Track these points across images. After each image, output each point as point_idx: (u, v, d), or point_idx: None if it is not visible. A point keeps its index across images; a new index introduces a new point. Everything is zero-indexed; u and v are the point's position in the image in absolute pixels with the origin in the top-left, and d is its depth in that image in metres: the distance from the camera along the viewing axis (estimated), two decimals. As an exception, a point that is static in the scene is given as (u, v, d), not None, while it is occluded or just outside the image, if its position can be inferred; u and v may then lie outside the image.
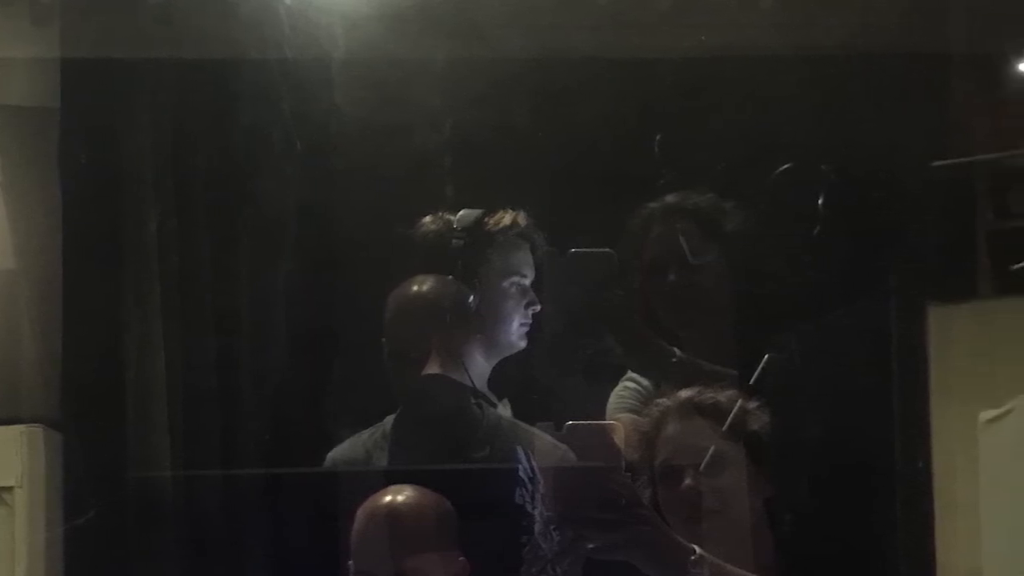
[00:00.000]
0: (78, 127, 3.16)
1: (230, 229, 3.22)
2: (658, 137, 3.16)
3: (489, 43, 3.19)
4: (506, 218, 3.18)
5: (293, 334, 3.25)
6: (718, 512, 2.79)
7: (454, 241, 3.16)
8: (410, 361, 3.14)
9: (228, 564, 3.14)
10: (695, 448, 2.81)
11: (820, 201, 3.06)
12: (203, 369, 3.17)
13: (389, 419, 3.15)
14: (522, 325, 3.18)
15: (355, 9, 3.18)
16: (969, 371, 2.97)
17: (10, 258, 3.22)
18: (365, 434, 3.16)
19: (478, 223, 3.17)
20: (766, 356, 2.93)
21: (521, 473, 3.04)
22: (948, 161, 3.10)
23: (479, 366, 3.16)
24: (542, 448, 2.95)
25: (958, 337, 2.99)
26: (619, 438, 2.61)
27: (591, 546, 2.59)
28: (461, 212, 3.17)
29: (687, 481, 2.80)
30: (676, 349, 3.10)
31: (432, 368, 3.13)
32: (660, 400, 2.90)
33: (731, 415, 2.82)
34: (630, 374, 3.15)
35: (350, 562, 2.95)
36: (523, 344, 3.19)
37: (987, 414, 2.92)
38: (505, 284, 3.18)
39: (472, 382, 3.14)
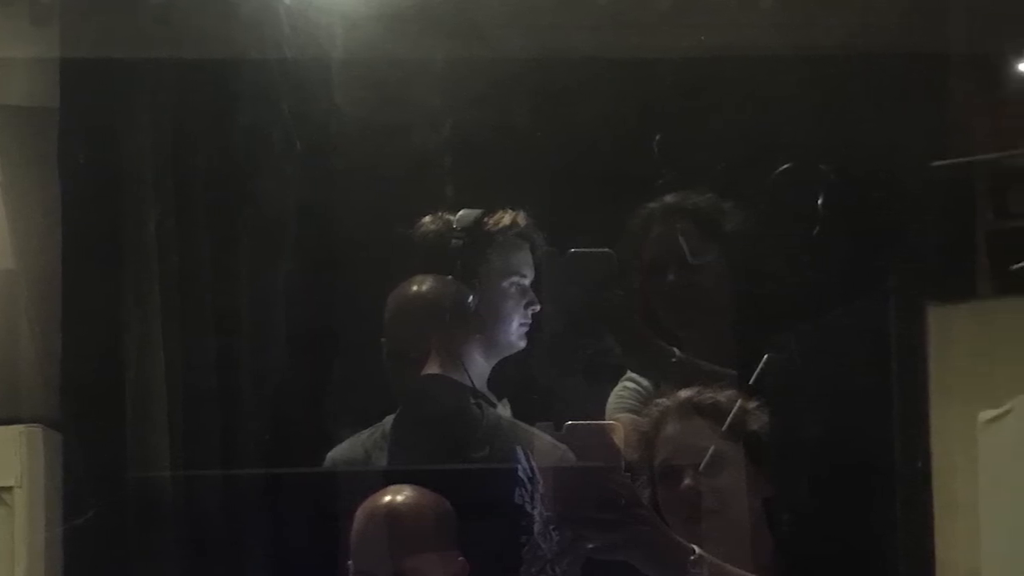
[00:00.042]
0: (77, 127, 3.16)
1: (230, 229, 3.22)
2: (658, 137, 3.16)
3: (489, 43, 3.19)
4: (506, 218, 3.18)
5: (293, 334, 3.25)
6: (717, 512, 2.79)
7: (454, 241, 3.16)
8: (410, 361, 3.14)
9: (228, 564, 3.14)
10: (694, 448, 2.81)
11: (820, 201, 3.06)
12: (203, 369, 3.18)
13: (389, 419, 3.15)
14: (522, 325, 3.18)
15: (355, 9, 3.18)
16: (968, 371, 2.96)
17: (9, 258, 3.23)
18: (364, 434, 3.16)
19: (478, 223, 3.17)
20: (765, 356, 2.93)
21: (520, 473, 3.04)
22: (948, 161, 3.10)
23: (479, 366, 3.16)
24: (541, 448, 2.95)
25: (958, 337, 2.98)
26: (618, 438, 2.61)
27: (590, 546, 2.59)
28: (461, 212, 3.17)
29: (686, 481, 2.80)
30: (675, 349, 3.10)
31: (432, 368, 3.13)
32: (659, 400, 2.90)
33: (730, 415, 2.82)
34: (629, 374, 3.15)
35: (349, 562, 2.95)
36: (523, 344, 3.19)
37: (986, 414, 2.92)
38: (505, 284, 3.18)
39: (472, 382, 3.14)
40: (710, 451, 2.79)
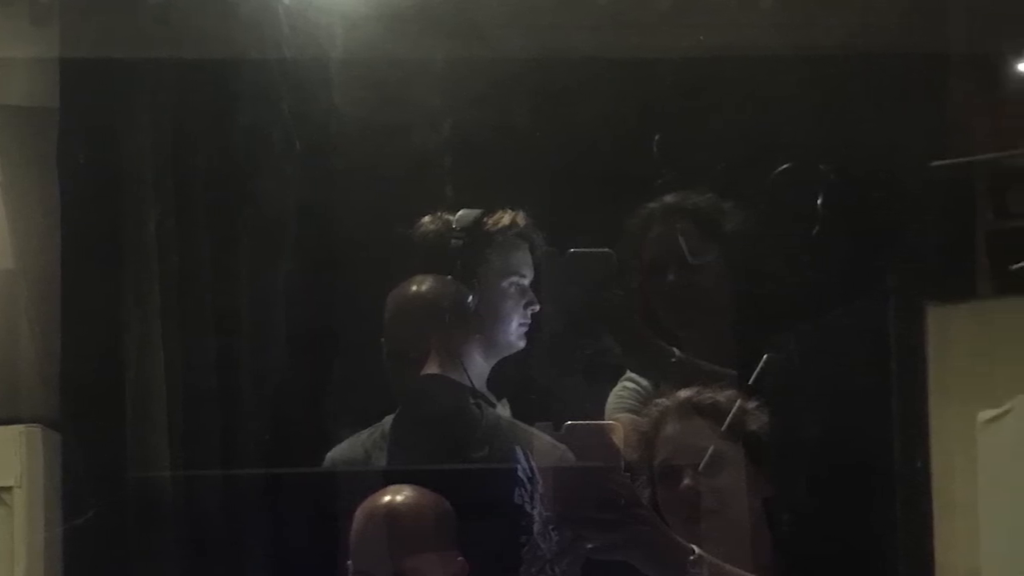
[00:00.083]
0: (77, 127, 3.16)
1: (230, 229, 3.22)
2: (657, 137, 3.16)
3: (489, 43, 3.19)
4: (505, 218, 3.18)
5: (293, 334, 3.25)
6: (717, 512, 2.79)
7: (453, 241, 3.16)
8: (409, 361, 3.14)
9: (227, 564, 3.14)
10: (694, 448, 2.81)
11: (819, 201, 3.06)
12: (202, 369, 3.18)
13: (388, 419, 3.15)
14: (521, 325, 3.19)
15: (354, 9, 3.18)
16: (968, 371, 2.96)
17: (9, 258, 3.23)
18: (364, 434, 3.16)
19: (477, 223, 3.17)
20: (765, 356, 2.93)
21: (520, 473, 3.04)
22: (947, 161, 3.10)
23: (478, 366, 3.16)
24: (541, 448, 2.95)
25: (957, 337, 2.98)
26: (618, 438, 2.61)
27: (590, 546, 2.59)
28: (460, 212, 3.18)
29: (686, 481, 2.80)
30: (675, 349, 3.10)
31: (431, 368, 3.13)
32: (659, 400, 2.90)
33: (730, 415, 2.82)
34: (629, 374, 3.15)
35: (349, 562, 2.95)
36: (522, 344, 3.20)
37: (986, 414, 2.91)
38: (504, 284, 3.18)
39: (471, 382, 3.14)
40: (709, 451, 2.79)
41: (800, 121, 3.17)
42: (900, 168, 3.14)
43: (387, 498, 2.94)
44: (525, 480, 3.04)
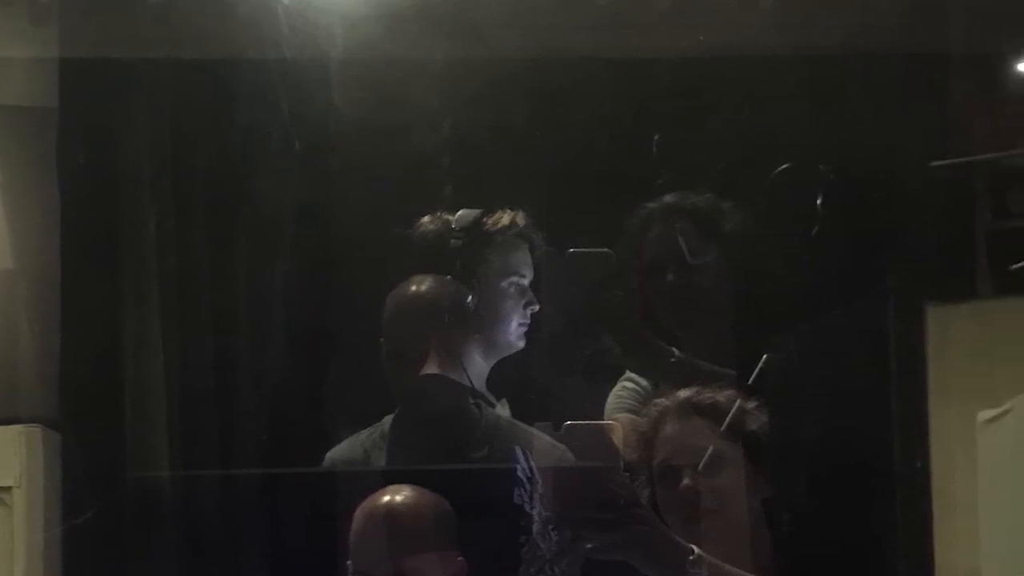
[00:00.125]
0: (76, 127, 3.16)
1: (228, 229, 3.22)
2: (656, 137, 3.16)
3: (488, 43, 3.19)
4: (504, 218, 3.18)
5: (291, 334, 3.25)
6: (716, 512, 2.79)
7: (452, 241, 3.16)
8: (408, 361, 3.13)
9: (226, 564, 3.14)
10: (693, 448, 2.81)
11: (819, 201, 3.06)
12: (201, 369, 3.18)
13: (387, 419, 3.14)
14: (520, 325, 3.18)
15: (353, 9, 3.18)
16: (968, 371, 2.96)
17: (8, 258, 3.23)
18: (363, 434, 3.15)
19: (476, 223, 3.17)
20: (764, 356, 2.93)
21: (519, 473, 3.04)
22: (947, 161, 3.10)
23: (477, 366, 3.16)
24: (540, 448, 2.95)
25: (957, 337, 2.98)
26: (617, 438, 2.61)
27: (589, 546, 2.59)
28: (459, 212, 3.17)
29: (685, 481, 2.80)
30: (675, 349, 3.10)
31: (430, 368, 3.13)
32: (658, 400, 2.90)
33: (730, 415, 2.82)
34: (628, 374, 3.15)
35: (348, 562, 2.95)
36: (522, 344, 3.19)
37: (986, 414, 2.92)
38: (503, 284, 3.17)
39: (470, 382, 3.13)
40: (709, 451, 2.79)
41: (800, 121, 3.17)
42: (900, 168, 3.14)
43: (386, 498, 2.94)
44: (524, 480, 3.04)
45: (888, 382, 3.02)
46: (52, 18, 3.17)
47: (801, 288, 3.07)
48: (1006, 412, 2.90)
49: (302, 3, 3.18)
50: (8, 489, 3.15)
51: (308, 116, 3.20)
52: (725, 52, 3.22)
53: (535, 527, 3.01)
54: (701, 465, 2.79)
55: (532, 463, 3.03)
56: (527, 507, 3.03)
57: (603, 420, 2.94)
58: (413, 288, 3.16)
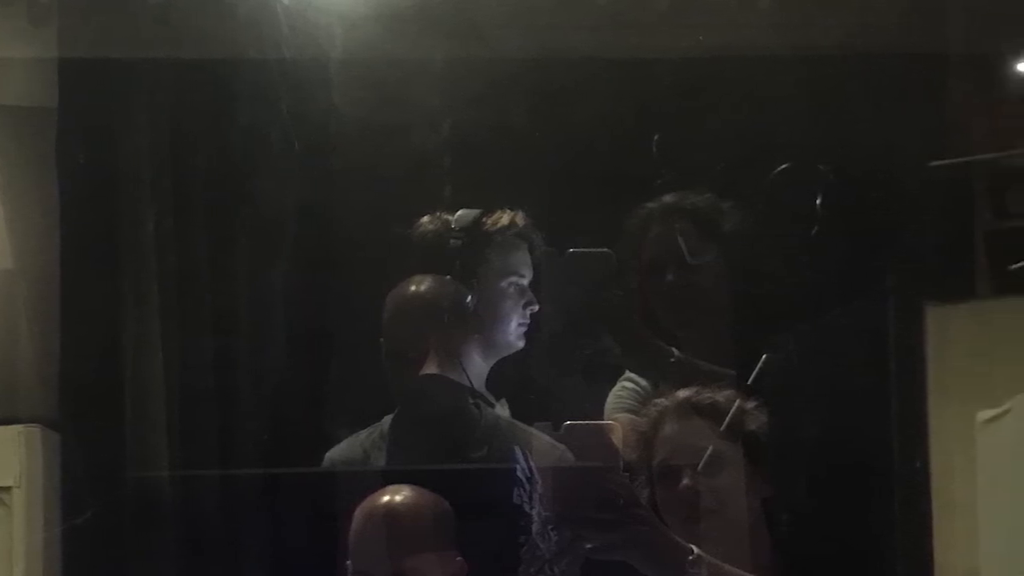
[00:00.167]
0: (76, 127, 3.16)
1: (228, 229, 3.22)
2: (656, 137, 3.16)
3: (488, 43, 3.19)
4: (504, 218, 3.18)
5: (291, 334, 3.25)
6: (716, 512, 2.79)
7: (452, 241, 3.16)
8: (408, 361, 3.14)
9: (226, 564, 3.14)
10: (693, 448, 2.81)
11: (818, 201, 3.07)
12: (201, 369, 3.17)
13: (387, 419, 3.15)
14: (520, 325, 3.18)
15: (353, 9, 3.18)
16: (967, 371, 2.96)
17: (8, 258, 3.22)
18: (363, 434, 3.15)
19: (476, 223, 3.17)
20: (764, 356, 2.93)
21: (519, 473, 3.04)
22: (946, 161, 3.10)
23: (477, 366, 3.16)
24: (540, 448, 2.95)
25: (956, 337, 2.98)
26: (617, 438, 2.62)
27: (589, 546, 2.59)
28: (459, 212, 3.17)
29: (685, 481, 2.80)
30: (674, 349, 3.11)
31: (430, 368, 3.13)
32: (658, 400, 2.90)
33: (729, 415, 2.82)
34: (628, 374, 3.15)
35: (348, 562, 2.95)
36: (521, 344, 3.19)
37: (985, 414, 2.92)
38: (503, 284, 3.18)
39: (470, 382, 3.14)
40: (708, 451, 2.79)
41: (799, 121, 3.18)
42: (899, 168, 3.14)
43: (386, 498, 2.94)
44: (524, 480, 3.04)
45: (887, 382, 3.02)
46: (52, 18, 3.17)
47: (800, 288, 3.07)
48: (1005, 412, 2.90)
49: (302, 3, 3.18)
50: (8, 489, 3.15)
51: (308, 116, 3.20)
52: (724, 52, 3.22)
53: (534, 527, 3.01)
54: (701, 465, 2.79)
55: (531, 463, 3.03)
56: (526, 507, 3.03)
57: (603, 420, 2.94)
58: (413, 288, 3.16)
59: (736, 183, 3.16)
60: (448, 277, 3.15)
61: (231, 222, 3.23)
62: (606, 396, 3.14)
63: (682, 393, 2.87)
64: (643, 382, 3.13)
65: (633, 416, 3.00)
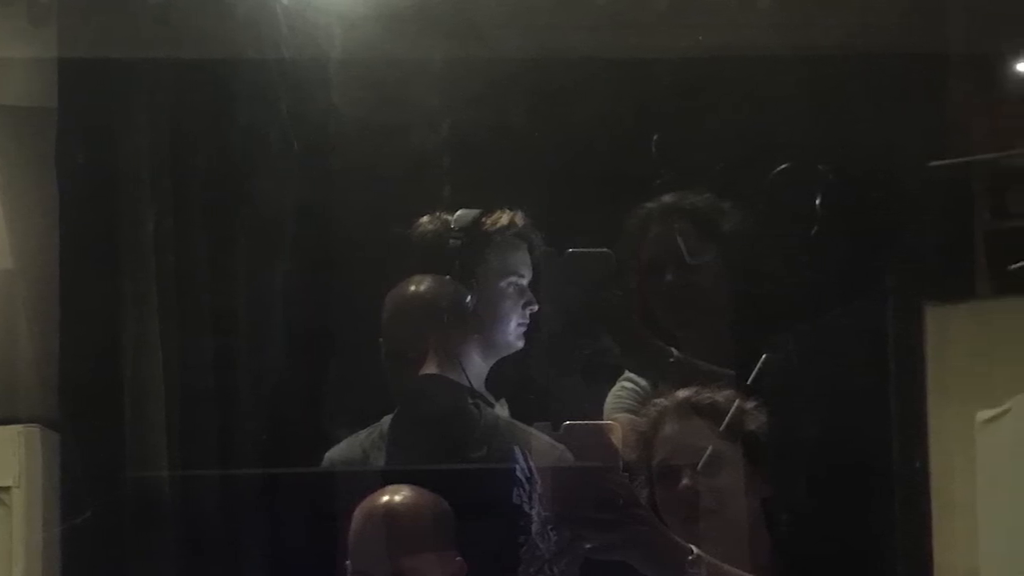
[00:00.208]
0: (75, 127, 3.16)
1: (227, 229, 3.22)
2: (656, 137, 3.16)
3: (487, 43, 3.19)
4: (503, 218, 3.18)
5: (290, 334, 3.25)
6: (715, 512, 2.79)
7: (451, 241, 3.16)
8: (407, 361, 3.13)
9: (225, 564, 3.14)
10: (693, 448, 2.81)
11: (818, 201, 3.07)
12: (200, 369, 3.17)
13: (386, 419, 3.14)
14: (519, 325, 3.18)
15: (353, 9, 3.18)
16: (967, 371, 2.96)
17: (7, 258, 3.22)
18: (362, 434, 3.15)
19: (475, 223, 3.17)
20: (763, 356, 2.93)
21: (518, 473, 3.04)
22: (946, 161, 3.10)
23: (476, 366, 3.16)
24: (539, 448, 2.95)
25: (956, 337, 2.98)
26: (616, 438, 2.61)
27: (588, 546, 2.59)
28: (458, 212, 3.17)
29: (685, 481, 2.80)
30: (673, 349, 3.10)
31: (429, 368, 3.13)
32: (658, 400, 2.90)
33: (729, 415, 2.82)
34: (628, 374, 3.15)
35: (347, 562, 2.95)
36: (520, 344, 3.19)
37: (985, 414, 2.91)
38: (502, 284, 3.17)
39: (469, 382, 3.13)
40: (708, 451, 2.79)
41: (798, 121, 3.18)
42: (899, 168, 3.14)
43: (385, 498, 2.94)
44: (523, 480, 3.04)
45: (887, 382, 3.02)
46: (52, 18, 3.17)
47: (800, 288, 3.07)
48: (1005, 412, 2.90)
49: (301, 3, 3.18)
50: (7, 489, 3.14)
51: (307, 116, 3.20)
52: (724, 52, 3.22)
53: (534, 527, 3.01)
54: (700, 465, 2.79)
55: (531, 463, 3.03)
56: (526, 507, 3.03)
57: (602, 420, 2.94)
58: (412, 288, 3.16)
59: (736, 183, 3.16)
60: (447, 277, 3.15)
61: (231, 222, 3.23)
62: (605, 396, 3.14)
63: (681, 393, 2.87)
64: (642, 382, 3.13)
65: (632, 416, 3.00)
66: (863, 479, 2.98)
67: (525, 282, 3.19)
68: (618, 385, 3.15)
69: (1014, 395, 2.91)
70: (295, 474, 3.18)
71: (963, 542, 2.92)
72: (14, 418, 3.17)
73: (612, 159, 3.25)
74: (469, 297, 3.14)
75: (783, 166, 3.09)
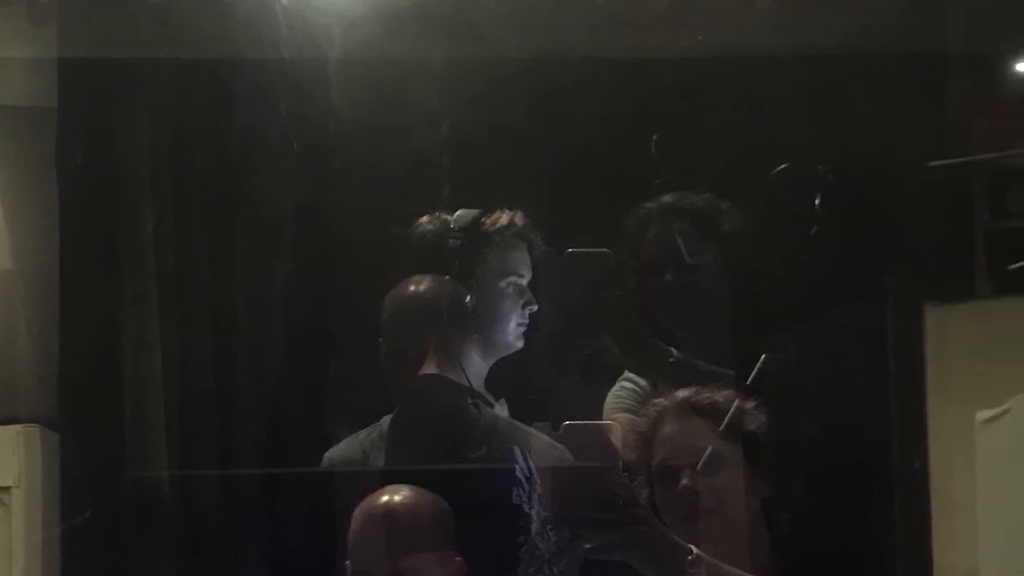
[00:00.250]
0: (75, 127, 3.16)
1: (227, 229, 3.22)
2: (655, 137, 3.16)
3: (486, 43, 3.19)
4: (503, 218, 3.18)
5: (290, 334, 3.25)
6: (715, 512, 2.79)
7: (451, 241, 3.16)
8: (407, 361, 3.13)
9: (225, 564, 3.14)
10: (692, 448, 2.81)
11: (817, 201, 3.06)
12: (200, 369, 3.17)
13: (386, 419, 3.14)
14: (519, 325, 3.18)
15: (352, 9, 3.18)
16: (966, 371, 2.96)
17: (7, 258, 3.22)
18: (362, 434, 3.15)
19: (475, 223, 3.17)
20: (763, 356, 2.93)
21: (518, 473, 3.04)
22: (945, 161, 3.10)
23: (476, 366, 3.16)
24: (539, 448, 2.95)
25: (955, 337, 2.98)
26: (616, 438, 2.61)
27: (588, 546, 2.59)
28: (458, 212, 3.17)
29: (684, 481, 2.80)
30: (673, 349, 3.10)
31: (429, 368, 3.13)
32: (657, 400, 2.90)
33: (728, 415, 2.82)
34: (627, 374, 3.15)
35: (347, 562, 2.95)
36: (520, 344, 3.19)
37: (984, 414, 2.91)
38: (502, 284, 3.17)
39: (469, 382, 3.13)
40: (708, 451, 2.80)
41: (798, 121, 3.17)
42: (898, 168, 3.14)
43: (385, 498, 2.94)
44: (523, 480, 3.04)
45: (886, 382, 3.02)
46: (51, 18, 3.17)
47: (799, 288, 3.07)
48: (1005, 412, 2.90)
49: (301, 3, 3.18)
50: (7, 489, 3.14)
51: (307, 116, 3.20)
52: (724, 52, 3.22)
53: (534, 527, 3.01)
54: (700, 465, 2.79)
55: (531, 463, 3.03)
56: (525, 507, 3.03)
57: (602, 420, 2.94)
58: (411, 288, 3.16)
59: (735, 183, 3.16)
60: (447, 277, 3.15)
61: (230, 222, 3.23)
62: (605, 396, 3.14)
63: (681, 393, 2.87)
64: (642, 382, 3.13)
65: (632, 416, 3.00)
66: (863, 479, 2.98)
67: (525, 282, 3.19)
68: (618, 385, 3.15)
69: (1014, 395, 2.91)
70: (295, 474, 3.18)
71: (963, 542, 2.92)
72: (14, 418, 3.17)
73: (612, 159, 3.25)
74: (469, 297, 3.14)
75: (783, 166, 3.09)
